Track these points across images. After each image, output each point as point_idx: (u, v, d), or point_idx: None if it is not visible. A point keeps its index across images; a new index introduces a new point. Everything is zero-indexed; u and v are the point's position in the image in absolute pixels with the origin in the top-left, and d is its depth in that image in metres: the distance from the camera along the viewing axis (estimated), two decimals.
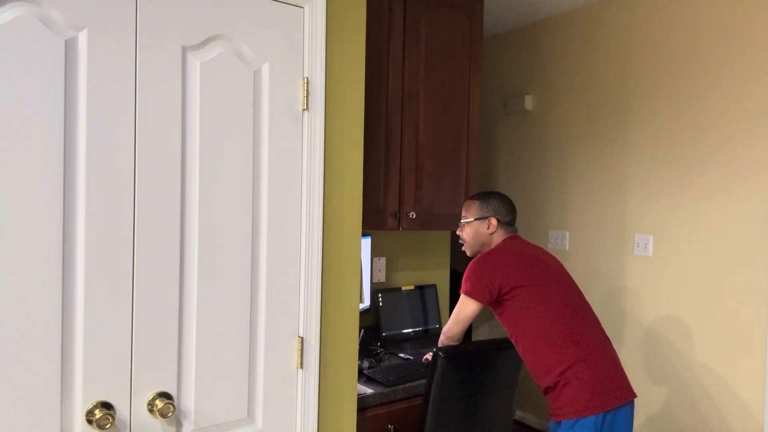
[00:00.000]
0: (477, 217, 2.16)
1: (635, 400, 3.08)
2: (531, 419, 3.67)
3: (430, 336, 2.90)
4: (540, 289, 1.98)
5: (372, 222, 2.39)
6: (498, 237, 2.15)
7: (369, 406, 2.07)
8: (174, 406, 1.38)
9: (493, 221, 2.13)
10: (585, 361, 1.90)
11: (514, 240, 2.13)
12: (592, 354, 1.92)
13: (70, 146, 1.27)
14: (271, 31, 1.54)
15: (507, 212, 2.17)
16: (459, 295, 2.09)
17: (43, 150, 1.23)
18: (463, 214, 2.22)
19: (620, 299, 3.16)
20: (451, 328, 2.10)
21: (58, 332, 1.26)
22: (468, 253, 2.22)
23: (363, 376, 2.23)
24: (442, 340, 2.13)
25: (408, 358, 2.47)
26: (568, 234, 3.45)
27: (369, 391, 2.08)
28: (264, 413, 1.57)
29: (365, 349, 2.58)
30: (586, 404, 1.87)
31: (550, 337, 1.93)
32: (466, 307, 2.05)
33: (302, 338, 1.62)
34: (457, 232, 2.25)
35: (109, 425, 1.30)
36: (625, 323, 3.13)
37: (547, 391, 1.96)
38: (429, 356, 2.35)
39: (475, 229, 2.16)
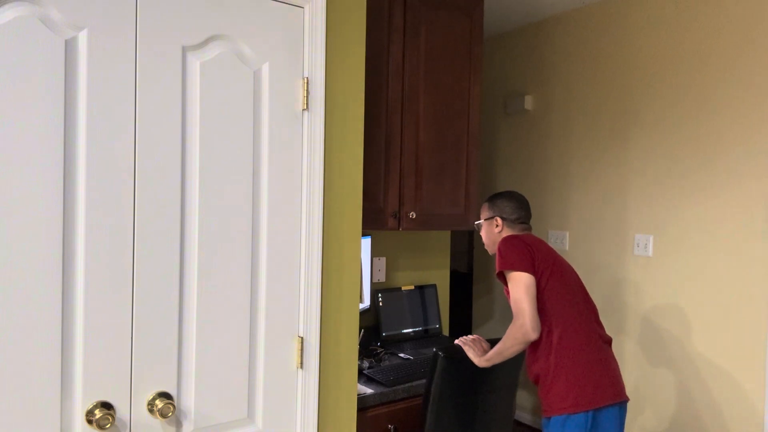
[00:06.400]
0: (486, 217, 2.22)
1: (637, 401, 3.08)
2: (530, 419, 3.67)
3: (430, 336, 2.90)
4: (555, 276, 1.99)
5: (372, 222, 2.39)
6: (509, 234, 2.14)
7: (369, 406, 2.07)
8: (174, 406, 1.38)
9: (498, 220, 2.18)
10: (577, 356, 1.92)
11: (529, 235, 2.12)
12: (585, 350, 1.94)
13: (70, 146, 1.27)
14: (271, 31, 1.54)
15: (513, 210, 2.17)
16: (459, 295, 2.09)
17: (43, 150, 1.23)
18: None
19: (620, 299, 3.16)
20: (522, 309, 1.86)
21: (58, 332, 1.26)
22: (489, 252, 2.26)
23: (363, 376, 2.23)
24: (519, 333, 1.86)
25: (408, 358, 2.47)
26: (568, 234, 3.45)
27: (369, 391, 2.08)
28: (264, 413, 1.57)
29: (365, 349, 2.58)
30: (575, 400, 1.89)
31: (550, 323, 1.94)
32: (522, 280, 1.90)
33: (302, 338, 1.62)
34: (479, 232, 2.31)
35: (109, 425, 1.30)
36: (626, 323, 3.13)
37: (537, 380, 1.99)
38: (462, 338, 2.10)
39: (486, 229, 2.22)
